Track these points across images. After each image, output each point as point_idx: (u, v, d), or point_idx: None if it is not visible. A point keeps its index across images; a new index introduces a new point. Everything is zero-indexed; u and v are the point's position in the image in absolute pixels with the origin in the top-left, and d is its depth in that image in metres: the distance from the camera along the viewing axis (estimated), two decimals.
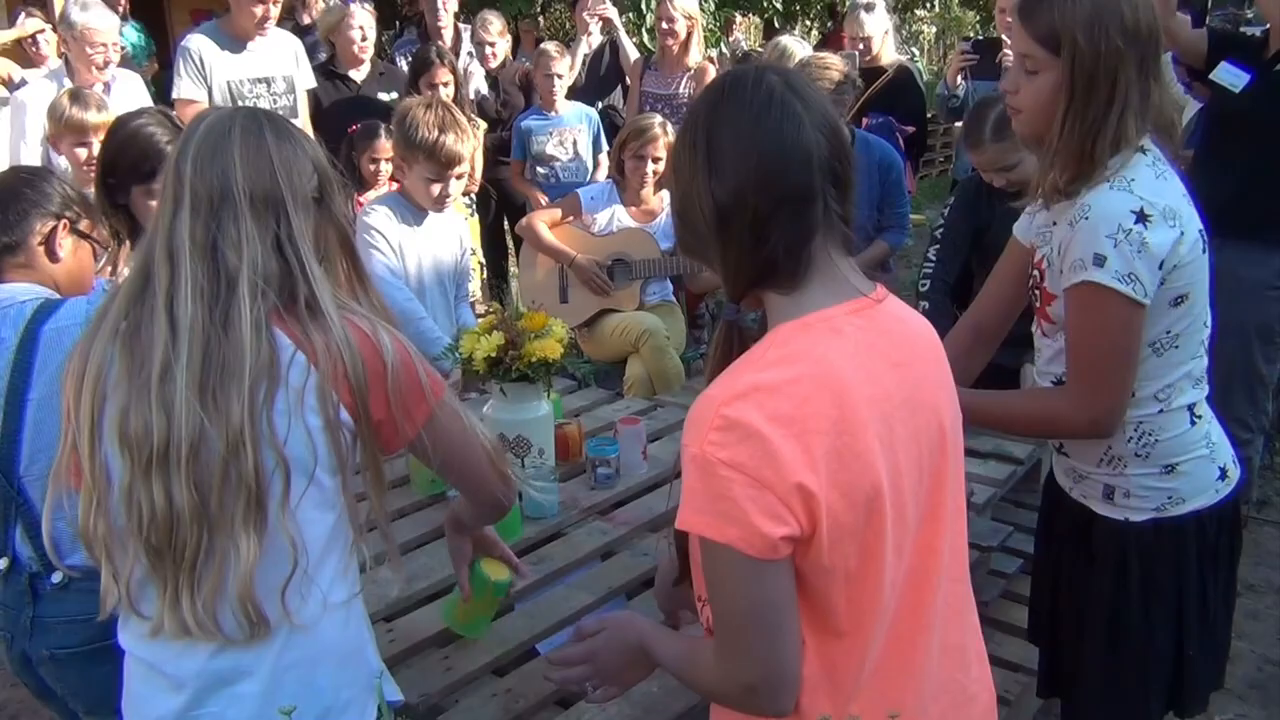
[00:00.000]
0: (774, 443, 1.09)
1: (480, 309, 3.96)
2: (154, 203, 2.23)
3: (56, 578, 1.81)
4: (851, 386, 1.14)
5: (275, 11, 4.30)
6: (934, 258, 3.39)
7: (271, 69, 4.41)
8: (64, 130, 3.41)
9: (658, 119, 4.03)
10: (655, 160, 3.93)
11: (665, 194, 4.08)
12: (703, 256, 1.26)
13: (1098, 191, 1.68)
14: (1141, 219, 1.64)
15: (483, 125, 4.88)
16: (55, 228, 1.92)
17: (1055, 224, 1.79)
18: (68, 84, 4.11)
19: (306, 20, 6.02)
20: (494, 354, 2.40)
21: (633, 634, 1.39)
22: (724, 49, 10.33)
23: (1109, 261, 1.64)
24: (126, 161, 2.23)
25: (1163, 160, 1.73)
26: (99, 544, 1.35)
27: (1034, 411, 1.89)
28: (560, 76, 4.99)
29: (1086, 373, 1.73)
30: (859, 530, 1.15)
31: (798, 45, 4.67)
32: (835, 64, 3.54)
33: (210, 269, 1.31)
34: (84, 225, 1.99)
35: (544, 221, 4.11)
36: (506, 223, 5.48)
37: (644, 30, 8.99)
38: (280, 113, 4.42)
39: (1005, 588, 2.62)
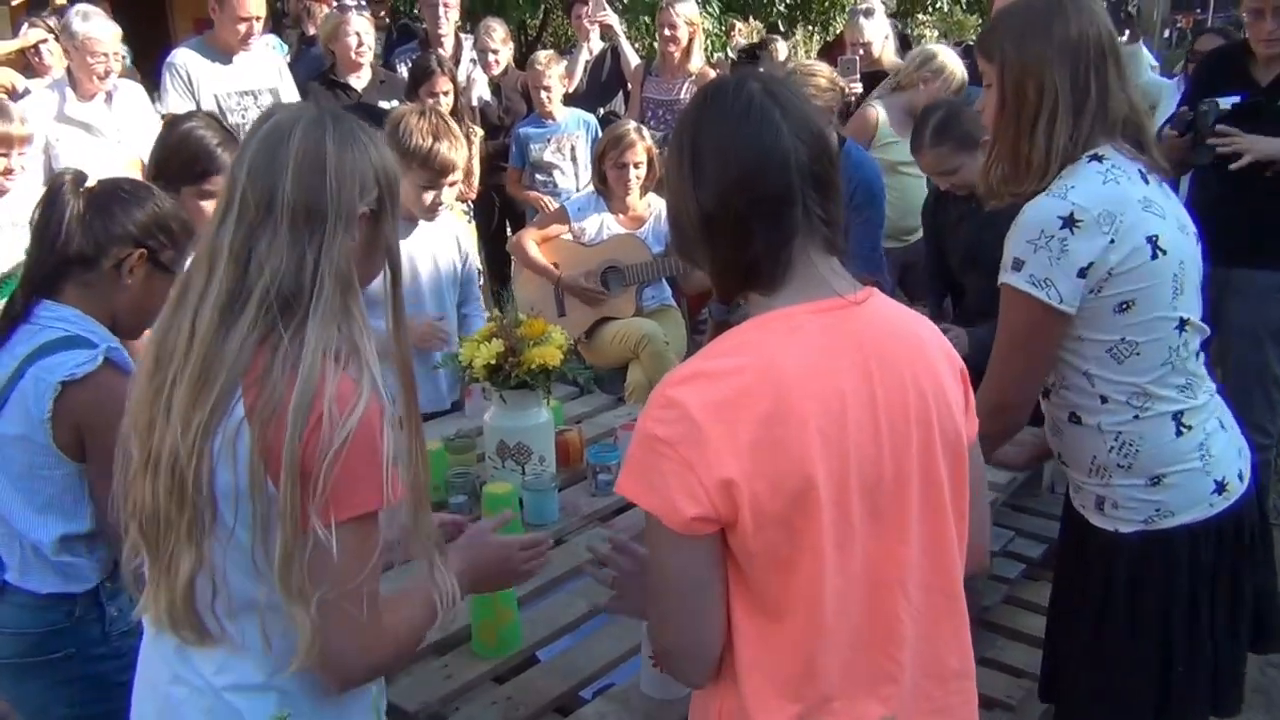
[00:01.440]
0: (703, 427, 1.16)
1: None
2: (204, 203, 2.28)
3: None
4: (794, 381, 1.19)
5: (258, 28, 4.41)
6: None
7: (257, 82, 4.49)
8: None
9: (632, 124, 4.06)
10: (636, 166, 3.93)
11: (652, 198, 4.09)
12: (694, 259, 1.32)
13: (1036, 199, 1.73)
14: (1069, 224, 1.68)
15: (480, 132, 4.89)
16: (130, 255, 1.82)
17: None
18: (70, 94, 4.14)
19: (312, 30, 6.05)
20: (494, 361, 2.40)
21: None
22: (729, 53, 10.33)
23: (1026, 265, 1.70)
24: (178, 162, 2.28)
25: (1120, 167, 1.74)
26: (123, 516, 1.37)
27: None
28: (549, 88, 5.00)
29: (992, 366, 1.80)
30: (787, 519, 1.18)
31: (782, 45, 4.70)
32: (821, 72, 3.55)
33: (237, 281, 1.28)
34: (166, 256, 1.87)
35: (533, 237, 4.14)
36: (510, 229, 5.49)
37: (652, 34, 9.00)
38: None
39: (1008, 593, 2.61)
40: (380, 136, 1.39)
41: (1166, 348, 1.75)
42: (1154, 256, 1.71)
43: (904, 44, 6.38)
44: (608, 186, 4.04)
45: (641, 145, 3.94)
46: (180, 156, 2.29)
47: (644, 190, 4.05)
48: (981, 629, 2.42)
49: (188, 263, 1.40)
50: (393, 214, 1.38)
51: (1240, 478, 1.82)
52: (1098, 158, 1.73)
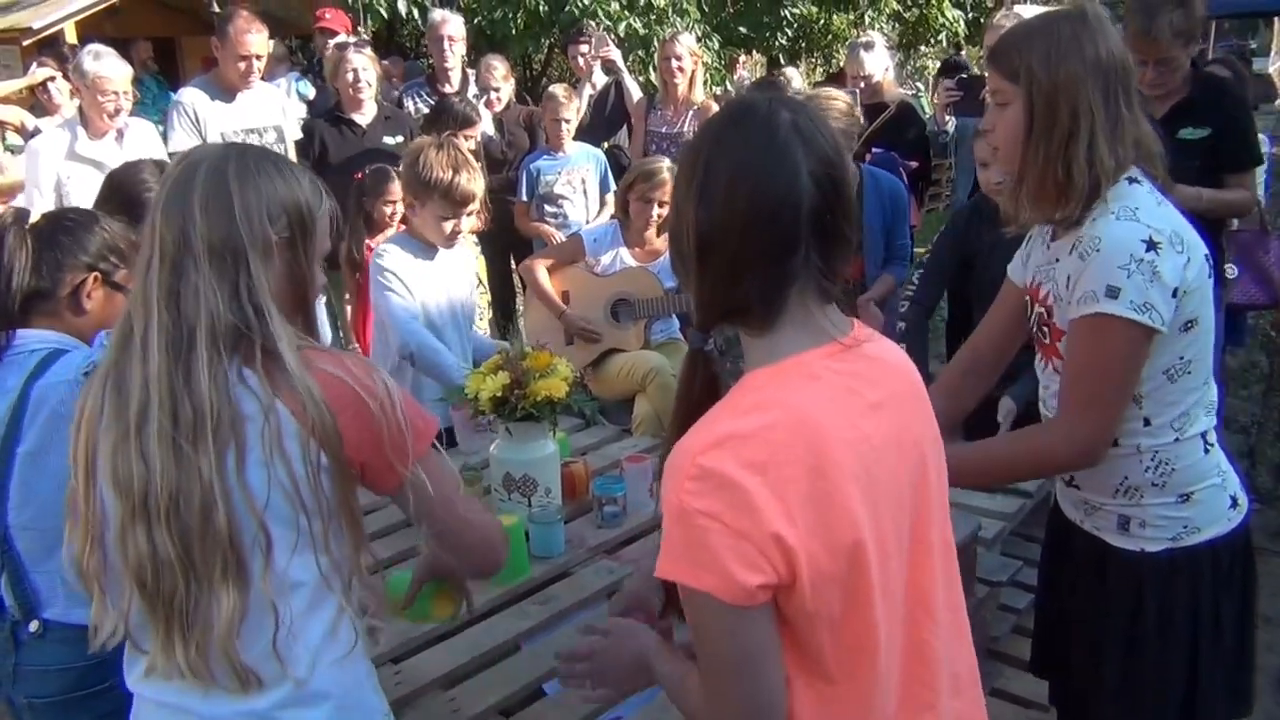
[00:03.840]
0: (750, 491, 1.09)
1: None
2: None
3: (33, 626, 1.83)
4: (827, 432, 1.14)
5: (258, 65, 4.52)
6: (917, 281, 3.45)
7: (261, 119, 4.60)
8: None
9: (666, 163, 4.06)
10: (661, 205, 3.94)
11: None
12: (684, 279, 1.26)
13: (1105, 223, 1.69)
14: (1152, 247, 1.65)
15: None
16: (85, 280, 1.88)
17: (1059, 260, 1.80)
18: (81, 132, 4.19)
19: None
20: (500, 393, 2.41)
21: (637, 645, 1.39)
22: (729, 86, 10.42)
23: (1124, 293, 1.65)
24: (113, 208, 2.24)
25: (1157, 190, 1.75)
26: (91, 579, 1.36)
27: (1020, 453, 1.87)
28: (568, 120, 5.06)
29: (1085, 401, 1.73)
30: (842, 577, 1.13)
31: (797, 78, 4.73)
32: (840, 97, 3.55)
33: (175, 319, 1.31)
34: (120, 276, 1.93)
35: (545, 264, 4.15)
36: (514, 262, 5.52)
37: (650, 68, 9.10)
38: None
39: (1015, 623, 2.60)
40: (291, 166, 1.44)
41: (1206, 366, 1.78)
42: (1209, 275, 1.74)
43: (960, 70, 6.19)
44: (628, 217, 4.06)
45: (670, 186, 3.95)
46: (115, 202, 2.27)
47: (661, 229, 4.07)
48: (989, 660, 2.41)
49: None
50: (305, 240, 1.42)
51: (1242, 492, 1.86)
52: (1134, 180, 1.73)
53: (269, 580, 1.32)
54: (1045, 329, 1.85)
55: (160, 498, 1.28)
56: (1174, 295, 1.66)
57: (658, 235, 4.06)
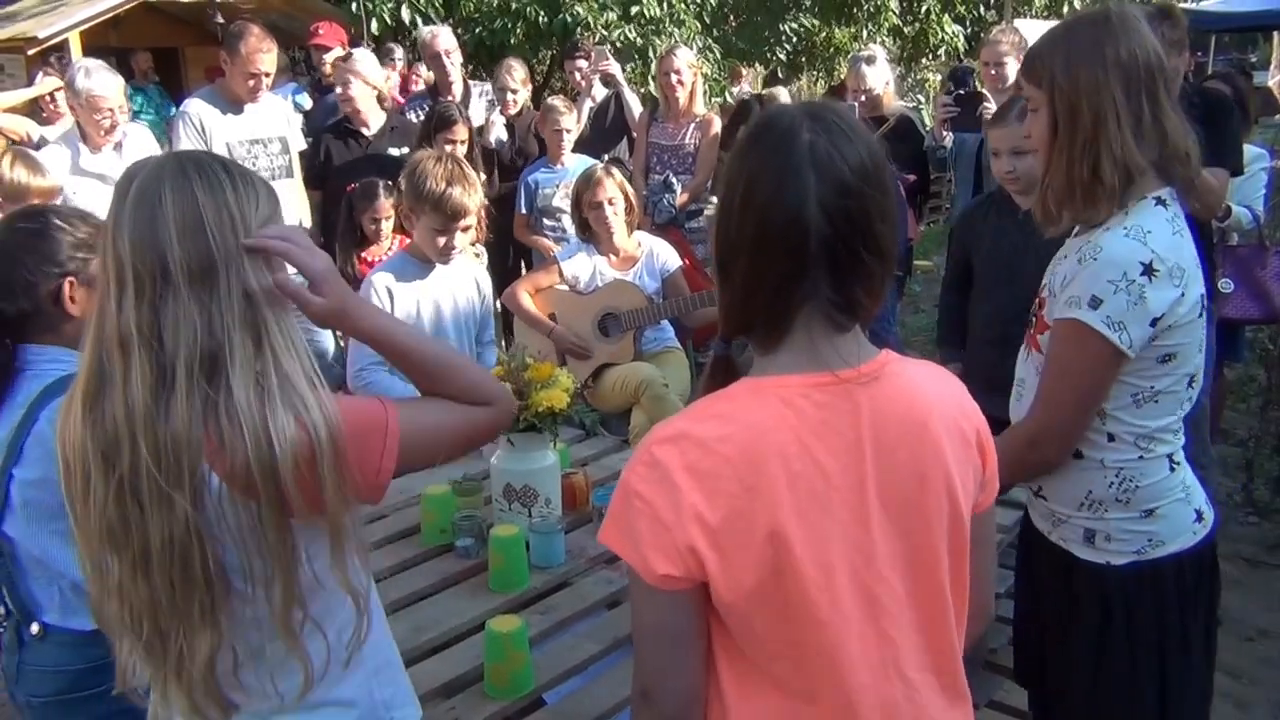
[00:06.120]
0: (683, 492, 1.16)
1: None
2: None
3: (34, 629, 1.85)
4: (776, 458, 1.17)
5: (267, 83, 4.58)
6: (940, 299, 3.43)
7: (267, 130, 4.64)
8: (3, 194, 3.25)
9: (599, 166, 4.10)
10: (611, 203, 3.97)
11: (642, 236, 4.14)
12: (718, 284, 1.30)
13: (1112, 235, 1.72)
14: (1148, 272, 1.68)
15: (482, 177, 4.96)
16: (60, 285, 1.83)
17: (1066, 257, 1.82)
18: (82, 148, 4.21)
19: (326, 69, 6.20)
20: None
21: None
22: (729, 98, 10.44)
23: (1104, 305, 1.69)
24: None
25: (1181, 217, 1.76)
26: (107, 626, 1.35)
27: (1002, 453, 1.89)
28: (568, 131, 5.08)
29: (1045, 400, 1.79)
30: (768, 596, 1.18)
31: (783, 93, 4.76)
32: None
33: (155, 359, 1.24)
34: (94, 266, 1.82)
35: (528, 289, 4.17)
36: (524, 270, 5.52)
37: (649, 79, 9.12)
38: (276, 172, 4.53)
39: (1012, 635, 2.61)
40: (241, 170, 1.34)
41: (1179, 400, 1.80)
42: (1200, 315, 1.76)
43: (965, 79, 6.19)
44: (591, 232, 4.08)
45: (611, 182, 3.98)
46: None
47: (630, 228, 4.09)
48: (986, 671, 2.42)
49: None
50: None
51: (1208, 507, 1.88)
52: (1162, 202, 1.75)
53: (225, 619, 1.29)
54: (1034, 318, 1.89)
55: (154, 542, 1.25)
56: (1153, 324, 1.69)
57: (628, 235, 4.07)
